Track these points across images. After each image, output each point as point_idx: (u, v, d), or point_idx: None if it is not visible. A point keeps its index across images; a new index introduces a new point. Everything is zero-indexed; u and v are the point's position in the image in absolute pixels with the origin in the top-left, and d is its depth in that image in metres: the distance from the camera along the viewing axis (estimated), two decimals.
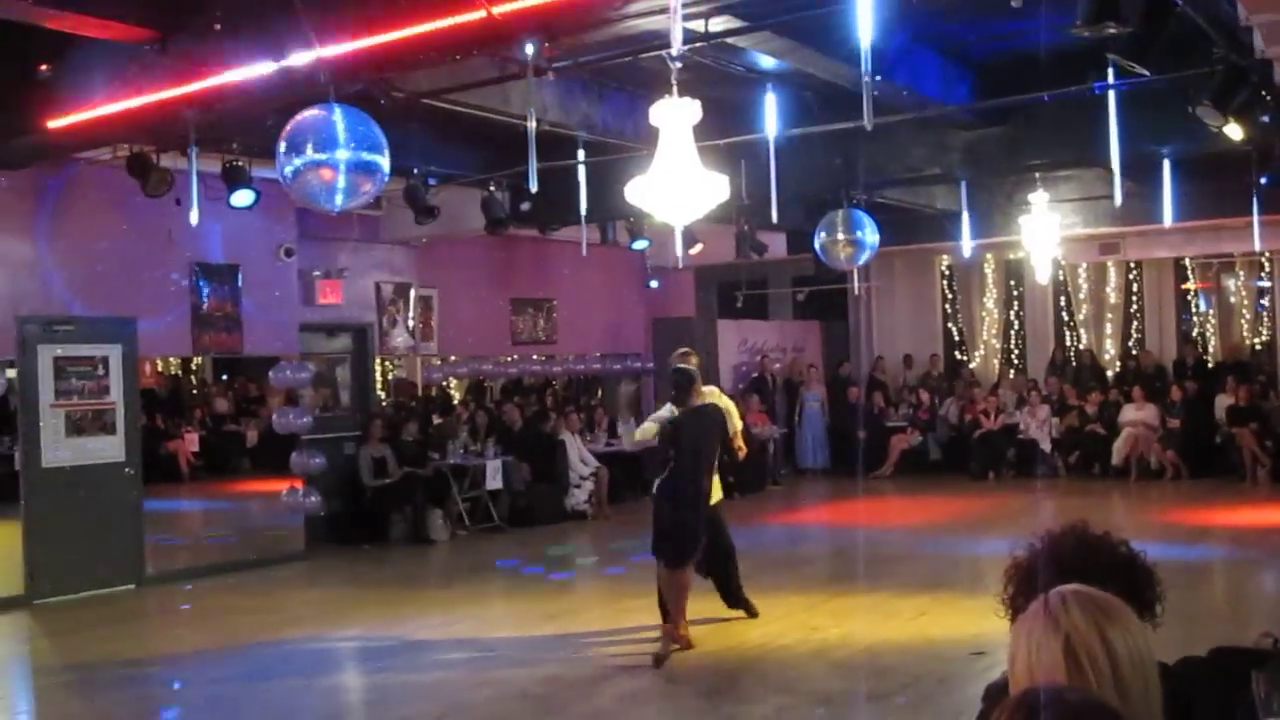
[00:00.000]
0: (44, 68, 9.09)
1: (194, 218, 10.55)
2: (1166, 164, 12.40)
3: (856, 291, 19.43)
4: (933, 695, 7.67)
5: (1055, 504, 16.40)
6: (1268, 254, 18.59)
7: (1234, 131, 8.48)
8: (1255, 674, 2.63)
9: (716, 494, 9.41)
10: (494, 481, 15.21)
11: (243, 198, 11.31)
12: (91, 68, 8.79)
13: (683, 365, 9.27)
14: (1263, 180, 12.20)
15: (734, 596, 9.74)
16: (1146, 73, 6.90)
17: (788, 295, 22.41)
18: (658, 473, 9.09)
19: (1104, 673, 1.88)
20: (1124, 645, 1.91)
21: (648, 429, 9.56)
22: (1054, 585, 2.09)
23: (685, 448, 8.89)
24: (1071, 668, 1.88)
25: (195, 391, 17.17)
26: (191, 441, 14.92)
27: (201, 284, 13.08)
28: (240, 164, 11.15)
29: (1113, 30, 5.90)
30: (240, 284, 13.43)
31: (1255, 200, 13.17)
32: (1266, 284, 19.57)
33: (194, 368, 17.32)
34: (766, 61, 9.22)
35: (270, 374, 13.52)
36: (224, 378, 17.48)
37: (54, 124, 9.27)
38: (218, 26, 7.55)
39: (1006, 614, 2.58)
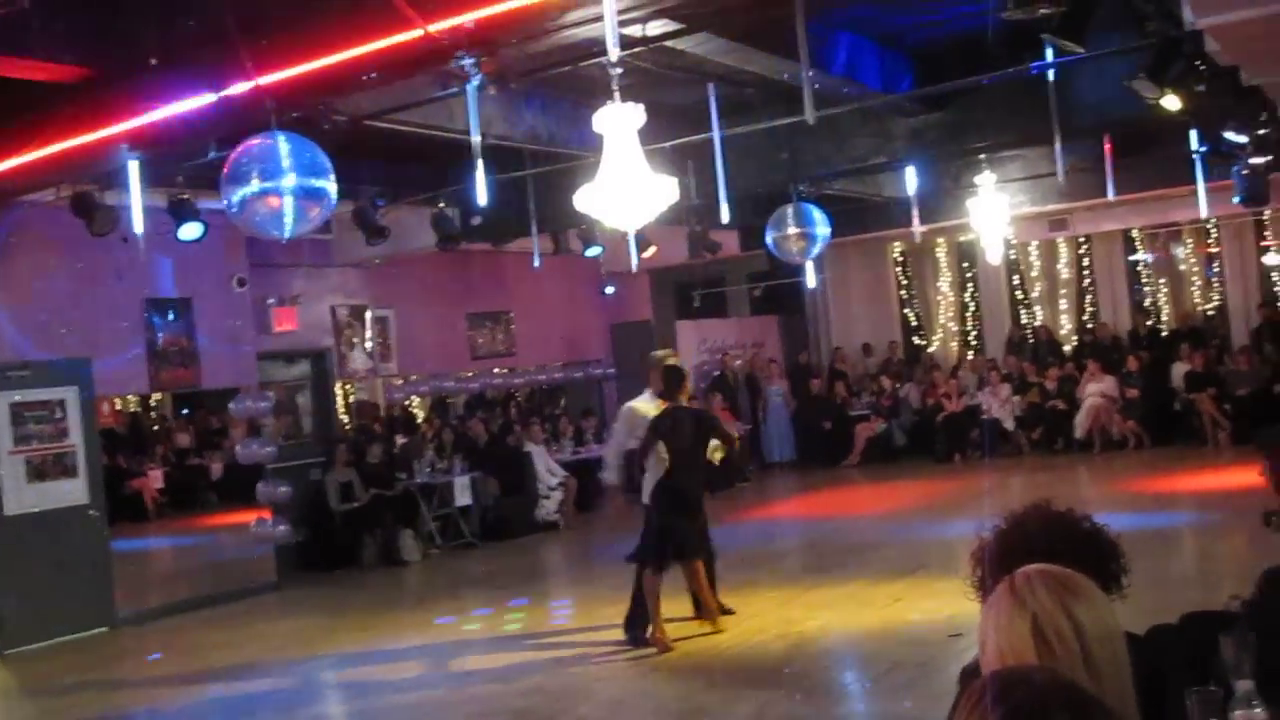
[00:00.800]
0: None
1: (142, 254, 10.49)
2: (1107, 138, 12.52)
3: (812, 284, 19.48)
4: (914, 680, 7.71)
5: (1021, 481, 16.53)
6: (1213, 221, 18.80)
7: (1171, 102, 8.59)
8: (1223, 638, 2.67)
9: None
10: (463, 498, 15.16)
11: (191, 231, 11.23)
12: (28, 109, 8.71)
13: (675, 362, 9.46)
14: (1203, 149, 12.34)
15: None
16: (1082, 50, 6.98)
17: (744, 292, 22.48)
18: (651, 475, 9.16)
19: (1072, 649, 1.90)
20: (1091, 621, 1.94)
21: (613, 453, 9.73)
22: (1019, 565, 2.11)
23: (681, 445, 8.99)
24: (1040, 646, 1.91)
25: (156, 428, 17.03)
26: (155, 479, 14.79)
27: (155, 320, 12.97)
28: (186, 197, 11.07)
29: (1046, 11, 5.97)
30: (194, 317, 13.32)
31: (1198, 169, 13.33)
32: (1215, 250, 19.80)
33: (153, 404, 17.18)
34: (707, 61, 9.25)
35: (230, 405, 13.44)
36: (184, 412, 17.34)
37: None
38: (154, 61, 7.50)
39: (976, 596, 2.61)
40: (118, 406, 16.25)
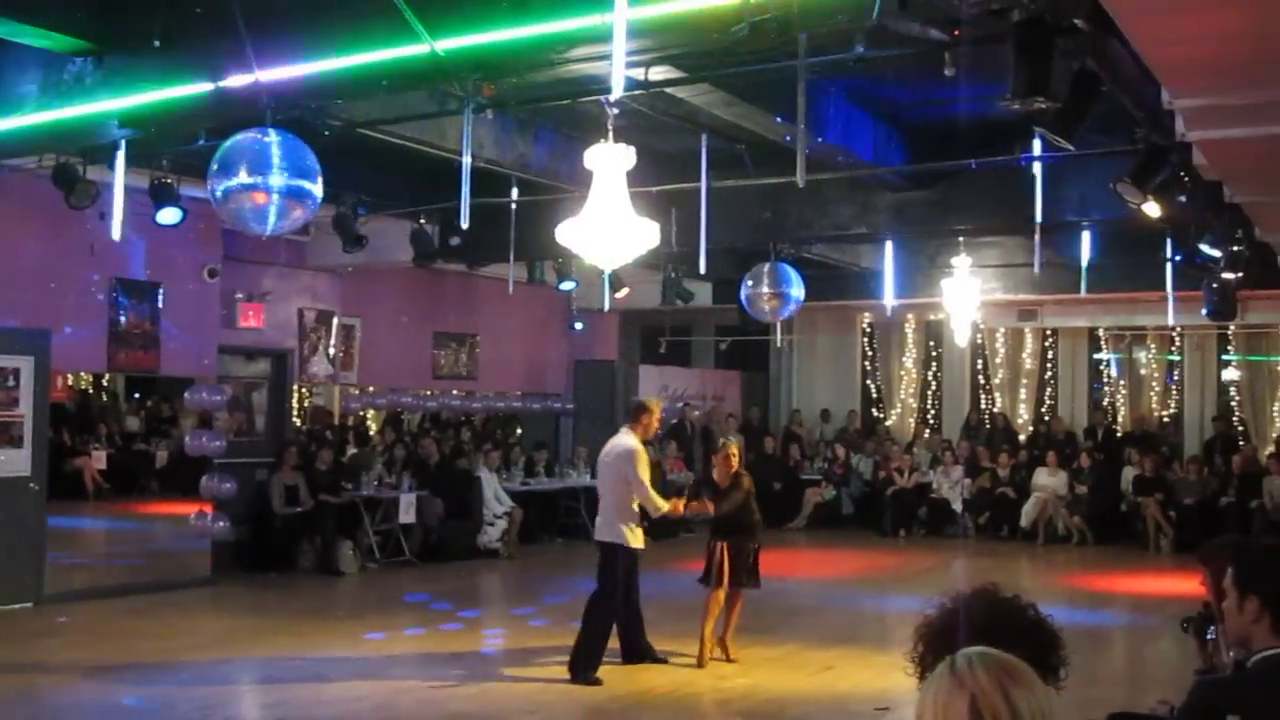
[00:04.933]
0: None
1: (116, 232, 10.40)
2: (1086, 235, 12.69)
3: (778, 344, 19.59)
4: None
5: (964, 564, 16.60)
6: (1179, 329, 19.06)
7: (1152, 209, 8.72)
8: None
9: (639, 540, 9.47)
10: (407, 516, 15.04)
11: (169, 215, 11.16)
12: (22, 75, 8.66)
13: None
14: (1177, 258, 12.51)
15: (638, 648, 9.74)
16: (1071, 147, 7.09)
17: (710, 344, 22.55)
18: None
19: None
20: (1028, 706, 1.96)
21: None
22: (960, 646, 2.13)
23: None
24: None
25: (105, 408, 16.86)
26: (99, 459, 14.66)
27: (121, 300, 12.87)
28: (169, 181, 11.02)
29: (1042, 105, 6.06)
30: (160, 302, 13.23)
31: (1170, 276, 13.52)
32: (1176, 358, 20.07)
33: (105, 383, 17.03)
34: (703, 112, 9.31)
35: (185, 395, 13.33)
36: (136, 396, 17.21)
37: None
38: (156, 43, 7.48)
39: (916, 672, 2.63)
40: (69, 382, 16.10)
